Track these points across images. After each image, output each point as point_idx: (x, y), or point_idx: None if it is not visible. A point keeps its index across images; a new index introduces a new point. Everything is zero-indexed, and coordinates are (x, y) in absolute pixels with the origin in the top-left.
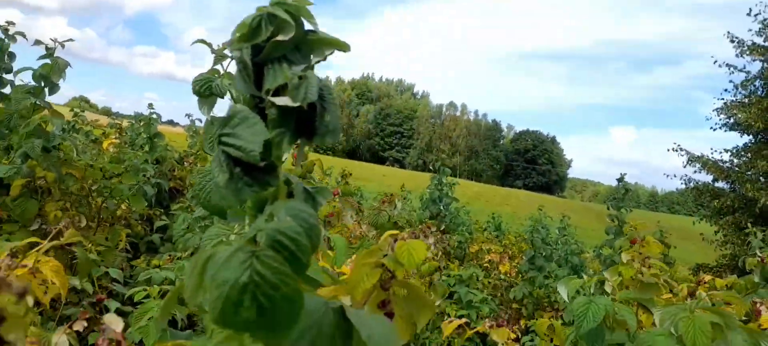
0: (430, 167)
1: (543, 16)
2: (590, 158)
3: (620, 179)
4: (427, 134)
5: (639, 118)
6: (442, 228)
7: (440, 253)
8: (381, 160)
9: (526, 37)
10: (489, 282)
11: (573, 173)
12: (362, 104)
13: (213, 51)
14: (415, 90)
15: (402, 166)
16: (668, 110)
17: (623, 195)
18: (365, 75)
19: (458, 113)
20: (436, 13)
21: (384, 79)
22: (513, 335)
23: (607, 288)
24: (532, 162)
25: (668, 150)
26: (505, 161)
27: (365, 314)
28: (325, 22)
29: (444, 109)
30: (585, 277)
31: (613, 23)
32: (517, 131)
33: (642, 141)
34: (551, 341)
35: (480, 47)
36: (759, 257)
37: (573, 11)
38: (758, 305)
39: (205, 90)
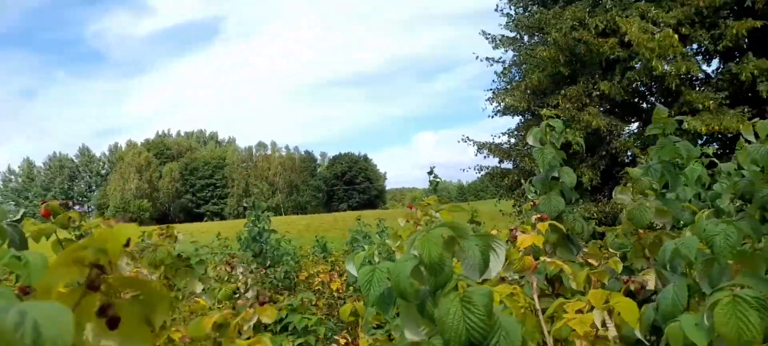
0: (245, 208)
1: (333, 46)
2: (403, 167)
3: (430, 172)
4: (241, 179)
5: (434, 122)
6: (266, 265)
7: (249, 282)
8: (198, 218)
9: (322, 68)
10: (324, 303)
11: (390, 184)
12: (163, 164)
13: None
14: (219, 138)
15: (222, 217)
16: (456, 110)
17: (435, 187)
18: (160, 133)
19: (269, 152)
20: (225, 57)
21: (182, 133)
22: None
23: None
24: (351, 183)
25: (458, 142)
26: (326, 188)
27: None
28: (98, 87)
29: (254, 150)
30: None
31: (396, 43)
32: (331, 157)
33: (442, 142)
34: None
35: (278, 82)
36: (531, 201)
37: (360, 38)
38: (514, 230)
39: None
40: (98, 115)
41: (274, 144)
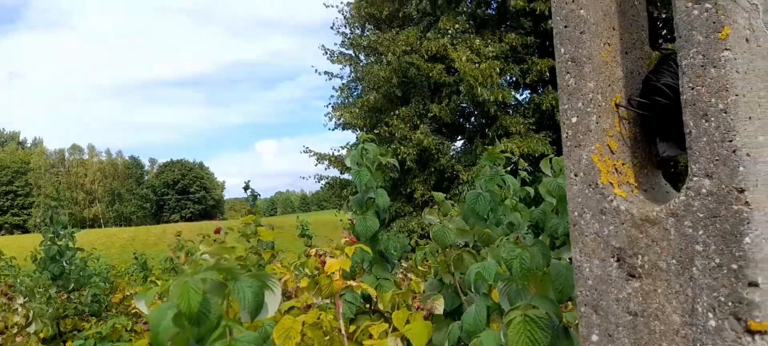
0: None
1: (168, 44)
2: (244, 176)
3: (246, 187)
4: (50, 187)
5: (276, 130)
6: (69, 288)
7: (31, 314)
8: None
9: (154, 66)
10: (142, 329)
11: (229, 193)
12: None
13: None
14: (21, 138)
15: (25, 230)
16: (298, 120)
17: (253, 200)
18: None
19: (86, 156)
20: (29, 45)
21: None
22: None
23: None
24: (184, 192)
25: (300, 152)
26: (154, 197)
27: None
28: None
29: (67, 154)
30: (159, 283)
31: (236, 47)
32: (162, 164)
33: (284, 151)
34: None
35: (93, 78)
36: (349, 220)
37: (197, 38)
38: (322, 256)
39: None
40: None
41: (91, 147)
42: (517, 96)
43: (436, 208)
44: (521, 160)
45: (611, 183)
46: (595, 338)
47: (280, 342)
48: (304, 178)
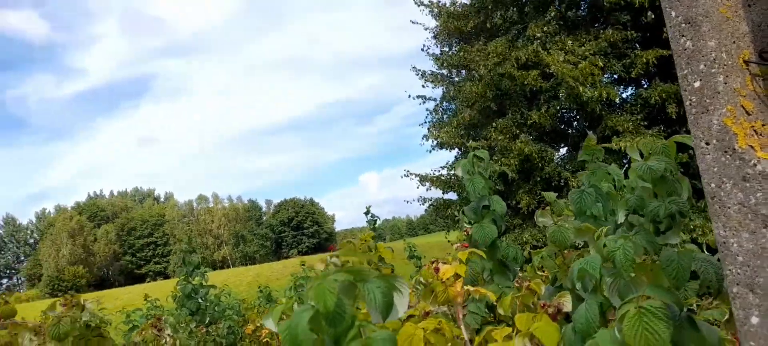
0: (179, 265)
1: (272, 95)
2: (350, 208)
3: (367, 212)
4: (183, 236)
5: (377, 162)
6: (206, 322)
7: (178, 343)
8: (140, 279)
9: (255, 116)
10: None
11: (340, 225)
12: (97, 226)
13: None
14: (156, 194)
15: (166, 276)
16: (396, 149)
17: (373, 225)
18: (92, 194)
19: (211, 204)
20: (156, 113)
21: (116, 193)
22: None
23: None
24: (298, 228)
25: (401, 177)
26: (273, 236)
27: None
28: (20, 153)
29: (195, 203)
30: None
31: (328, 88)
32: (277, 204)
33: (386, 180)
34: None
35: (212, 134)
36: (464, 230)
37: (297, 85)
38: (435, 263)
39: None
40: (22, 182)
41: (215, 196)
42: (622, 93)
43: (548, 209)
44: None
45: (752, 146)
46: (755, 319)
47: None
48: (408, 202)
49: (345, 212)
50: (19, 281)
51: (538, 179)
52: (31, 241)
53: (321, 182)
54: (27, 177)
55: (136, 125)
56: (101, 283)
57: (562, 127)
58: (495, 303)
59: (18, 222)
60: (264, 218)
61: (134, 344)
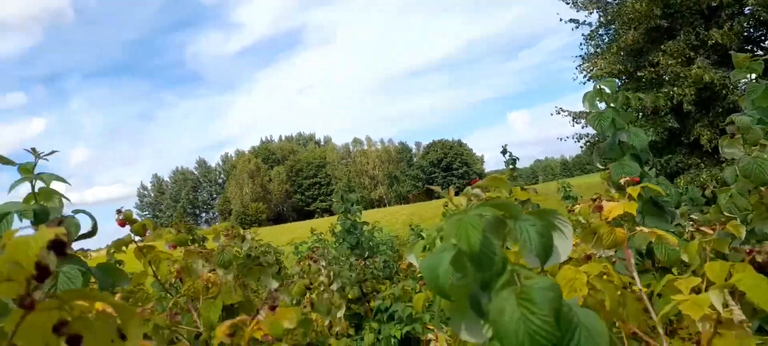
0: (331, 200)
1: (408, 37)
2: (499, 148)
3: (504, 151)
4: (343, 176)
5: (526, 99)
6: (365, 256)
7: (332, 275)
8: (310, 215)
9: (402, 60)
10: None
11: (489, 166)
12: (271, 168)
13: None
14: (316, 138)
15: (331, 213)
16: (546, 84)
17: (513, 164)
18: (264, 139)
19: (365, 147)
20: (310, 62)
21: (283, 138)
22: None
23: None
24: (448, 169)
25: (551, 115)
26: (424, 176)
27: None
28: (202, 104)
29: (351, 147)
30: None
31: (474, 24)
32: (426, 146)
33: (537, 118)
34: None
35: (363, 78)
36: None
37: (439, 25)
38: (598, 200)
39: None
40: (207, 129)
41: (368, 139)
42: None
43: (738, 137)
44: None
45: None
46: None
47: (565, 295)
48: (561, 139)
49: (493, 153)
50: (214, 215)
51: (720, 109)
52: (220, 181)
53: (468, 122)
54: (212, 125)
55: (293, 75)
56: (277, 218)
57: (749, 48)
58: (651, 246)
59: (208, 165)
60: (414, 160)
61: (286, 275)
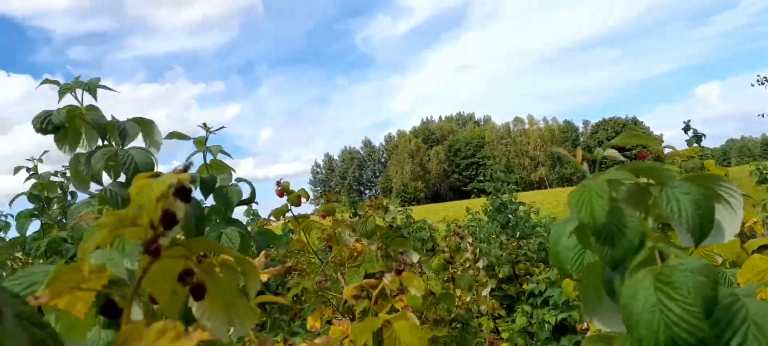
0: (483, 180)
1: (582, 5)
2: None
3: (686, 128)
4: (503, 156)
5: (718, 69)
6: (516, 236)
7: (478, 252)
8: (466, 195)
9: (571, 30)
10: None
11: (669, 144)
12: (430, 148)
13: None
14: (476, 118)
15: (487, 193)
16: (743, 53)
17: (697, 141)
18: (424, 119)
19: (527, 126)
20: (474, 40)
21: (443, 118)
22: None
23: None
24: (621, 150)
25: (752, 86)
26: (598, 159)
27: None
28: (370, 86)
29: (511, 126)
30: None
31: None
32: (594, 124)
33: (731, 91)
34: None
35: (528, 54)
36: None
37: None
38: None
39: (46, 125)
40: (373, 110)
41: (531, 117)
42: None
43: None
44: None
45: None
46: None
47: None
48: (762, 115)
49: (676, 131)
50: (377, 193)
51: None
52: (383, 160)
53: (646, 97)
54: (377, 106)
55: (455, 54)
56: (435, 196)
57: None
58: None
59: (373, 144)
60: (581, 139)
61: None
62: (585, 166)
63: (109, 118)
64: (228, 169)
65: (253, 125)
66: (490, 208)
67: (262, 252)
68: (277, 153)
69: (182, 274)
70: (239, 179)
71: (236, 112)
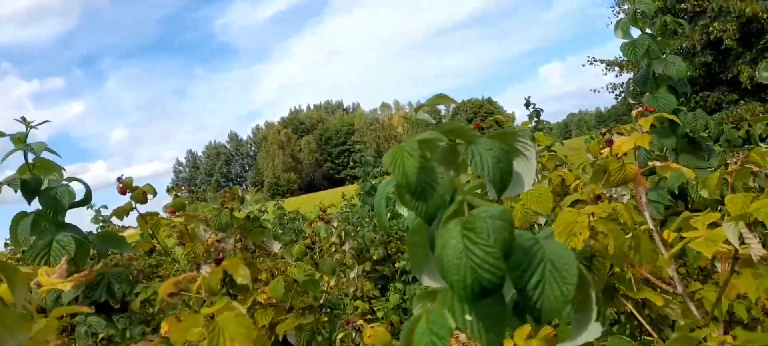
0: (354, 166)
1: None
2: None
3: (527, 104)
4: (372, 142)
5: (559, 50)
6: (389, 218)
7: (343, 235)
8: (340, 182)
9: (432, 15)
10: None
11: (520, 122)
12: (300, 137)
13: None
14: (345, 105)
15: (359, 179)
16: (580, 34)
17: (537, 116)
18: (292, 109)
19: (393, 111)
20: (335, 28)
21: (312, 107)
22: None
23: None
24: (479, 129)
25: (583, 66)
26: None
27: None
28: (232, 76)
29: (379, 111)
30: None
31: None
32: (454, 107)
33: (570, 71)
34: None
35: (391, 40)
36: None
37: None
38: (606, 133)
39: None
40: (238, 102)
41: (397, 103)
42: None
43: None
44: None
45: None
46: None
47: (563, 240)
48: (595, 90)
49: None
50: (247, 188)
51: (764, 46)
52: (252, 153)
53: (500, 79)
54: (242, 97)
55: (321, 40)
56: (309, 186)
57: None
58: (686, 186)
59: (240, 138)
60: (443, 121)
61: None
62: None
63: None
64: (58, 169)
65: (102, 124)
66: (362, 192)
67: (63, 259)
68: (132, 153)
69: None
70: (71, 179)
71: (79, 109)
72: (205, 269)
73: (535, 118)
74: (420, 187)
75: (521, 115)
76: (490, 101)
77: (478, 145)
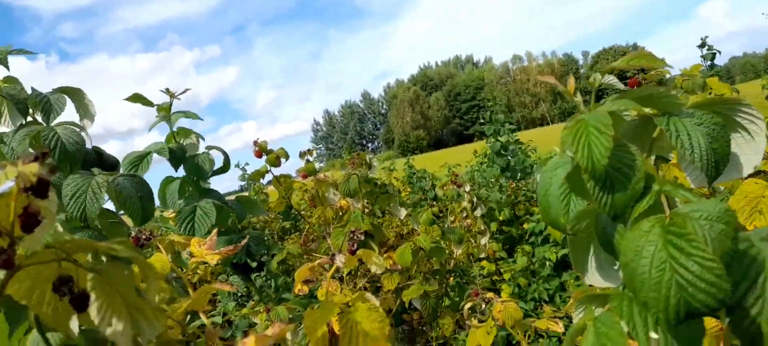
0: (482, 122)
1: None
2: (684, 49)
3: (702, 44)
4: (503, 96)
5: None
6: (517, 178)
7: (475, 200)
8: (469, 139)
9: None
10: None
11: (675, 70)
12: (429, 94)
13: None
14: (474, 60)
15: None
16: None
17: (712, 59)
18: (421, 66)
19: (526, 63)
20: None
21: (440, 63)
22: None
23: None
24: (622, 77)
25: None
26: (594, 87)
27: None
28: (364, 36)
29: (510, 64)
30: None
31: None
32: (594, 54)
33: (736, 6)
34: None
35: None
36: None
37: None
38: None
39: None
40: (370, 61)
41: (529, 54)
42: None
43: None
44: None
45: None
46: None
47: (743, 218)
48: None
49: (679, 55)
50: (379, 145)
51: None
52: (383, 111)
53: (646, 21)
54: (374, 57)
55: None
56: (437, 143)
57: None
58: None
59: (372, 97)
60: (582, 72)
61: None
62: (578, 98)
63: (30, 92)
64: (196, 136)
65: (251, 88)
66: (489, 151)
67: (213, 231)
68: (277, 114)
69: (56, 283)
70: (210, 147)
71: (233, 76)
72: (340, 259)
73: (711, 60)
74: (609, 174)
75: (674, 61)
76: (635, 47)
77: (683, 119)
